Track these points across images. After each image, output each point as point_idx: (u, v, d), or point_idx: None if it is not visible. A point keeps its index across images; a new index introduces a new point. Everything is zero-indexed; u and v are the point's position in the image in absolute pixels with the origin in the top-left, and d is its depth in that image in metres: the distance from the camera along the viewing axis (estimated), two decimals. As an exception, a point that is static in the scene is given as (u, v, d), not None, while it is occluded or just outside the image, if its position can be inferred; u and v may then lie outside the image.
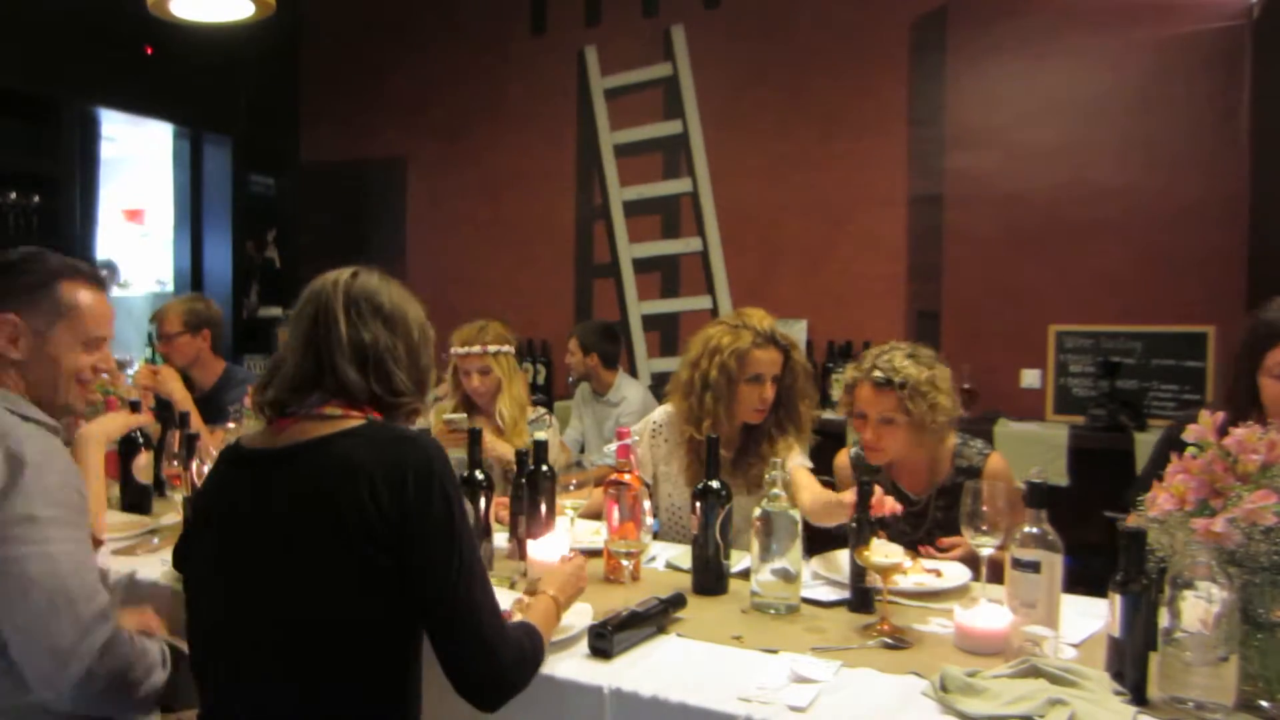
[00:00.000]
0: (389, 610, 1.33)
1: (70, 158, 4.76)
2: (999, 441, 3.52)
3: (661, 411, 2.61)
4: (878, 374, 2.15)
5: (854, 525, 1.76)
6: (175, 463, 2.45)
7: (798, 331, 4.52)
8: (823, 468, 2.63)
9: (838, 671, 1.49)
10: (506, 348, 2.90)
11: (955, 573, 1.98)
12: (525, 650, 1.41)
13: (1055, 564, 1.59)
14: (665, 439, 2.55)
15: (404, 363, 1.47)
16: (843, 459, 2.45)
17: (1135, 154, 3.94)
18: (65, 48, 4.54)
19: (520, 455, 2.18)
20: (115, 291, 5.76)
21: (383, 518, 1.29)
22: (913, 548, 2.19)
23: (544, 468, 2.09)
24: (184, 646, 1.51)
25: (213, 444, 2.58)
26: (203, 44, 4.58)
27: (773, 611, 1.79)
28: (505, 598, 1.78)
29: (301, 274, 5.69)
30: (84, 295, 1.63)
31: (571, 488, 2.11)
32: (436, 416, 3.00)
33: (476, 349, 2.86)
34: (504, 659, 1.36)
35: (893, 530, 2.18)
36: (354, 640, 1.32)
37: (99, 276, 1.69)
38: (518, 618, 1.51)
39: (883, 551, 1.69)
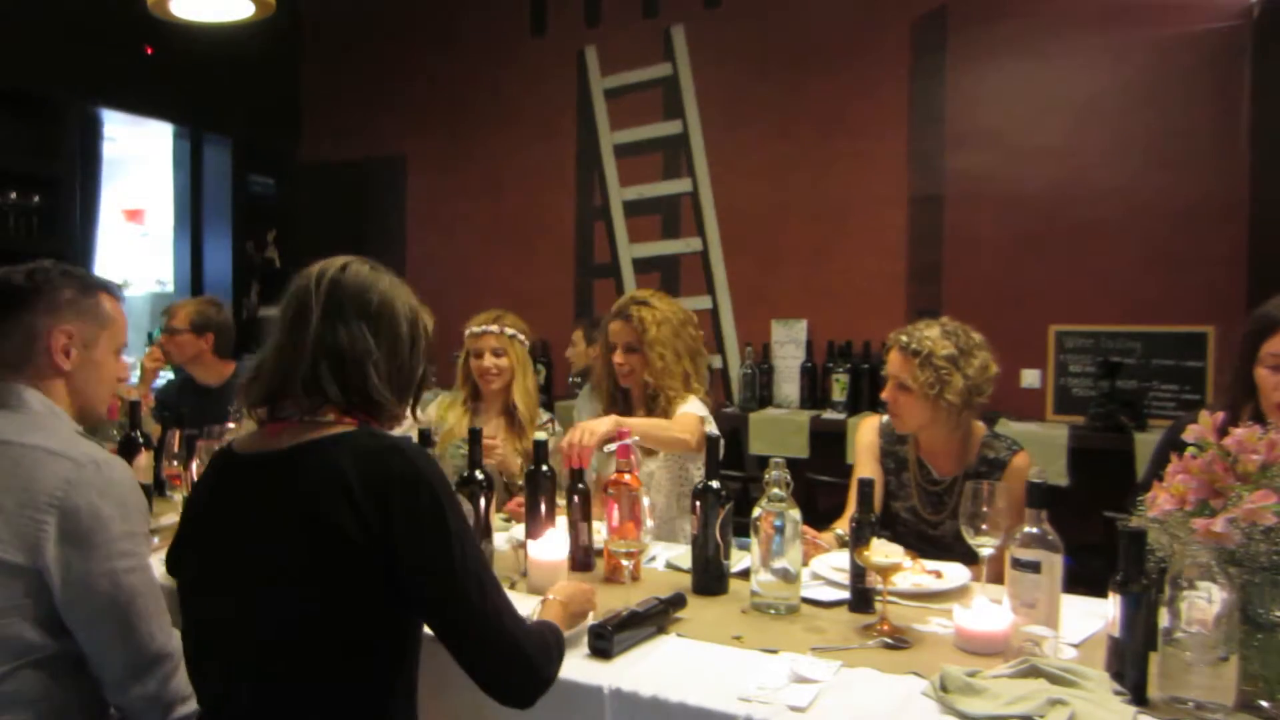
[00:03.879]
0: (376, 616, 1.32)
1: (70, 158, 4.75)
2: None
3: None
4: (903, 339, 2.25)
5: (854, 525, 1.76)
6: (175, 463, 2.46)
7: (797, 332, 4.52)
8: (824, 467, 2.63)
9: (838, 671, 1.50)
10: (522, 336, 2.89)
11: (955, 573, 1.98)
12: (549, 643, 1.41)
13: (1055, 564, 1.59)
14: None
15: (383, 367, 1.40)
16: (870, 423, 2.49)
17: (1135, 154, 3.94)
18: (65, 48, 4.53)
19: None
20: (115, 292, 5.76)
21: (364, 527, 1.27)
22: (934, 530, 2.27)
23: (544, 468, 2.09)
24: None
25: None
26: (203, 44, 4.57)
27: (773, 611, 1.79)
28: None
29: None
30: (116, 307, 1.71)
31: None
32: (439, 409, 2.99)
33: (493, 328, 2.83)
34: (531, 655, 1.35)
35: (914, 514, 2.31)
36: (343, 644, 1.31)
37: (119, 290, 1.77)
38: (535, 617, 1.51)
39: (883, 551, 1.69)
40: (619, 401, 2.74)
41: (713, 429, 2.50)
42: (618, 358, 2.67)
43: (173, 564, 1.48)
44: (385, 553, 1.28)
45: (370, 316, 1.40)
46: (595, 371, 2.83)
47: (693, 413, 2.54)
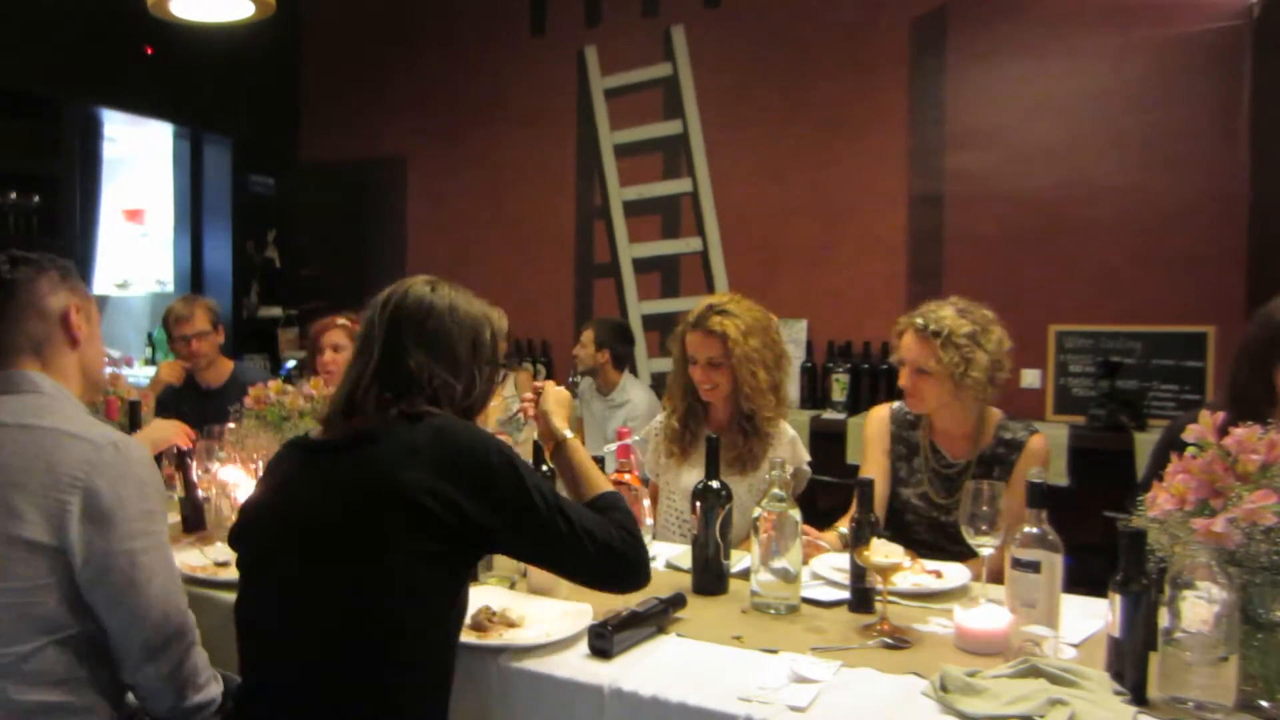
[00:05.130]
0: (432, 594, 1.37)
1: (70, 158, 4.75)
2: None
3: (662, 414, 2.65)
4: (919, 321, 2.21)
5: (854, 525, 1.76)
6: (172, 463, 2.46)
7: (797, 332, 4.52)
8: (824, 467, 2.63)
9: (838, 671, 1.49)
10: None
11: (955, 573, 1.98)
12: (627, 527, 1.53)
13: (1055, 564, 1.59)
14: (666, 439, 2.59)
15: (442, 388, 1.49)
16: (880, 412, 2.44)
17: (1135, 153, 3.93)
18: (65, 48, 4.53)
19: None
20: (115, 292, 5.77)
21: (437, 498, 1.33)
22: (946, 516, 2.22)
23: (544, 468, 2.09)
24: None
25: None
26: (203, 44, 4.57)
27: (773, 611, 1.79)
28: (501, 596, 1.78)
29: (302, 274, 5.74)
30: None
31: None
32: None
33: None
34: (624, 552, 1.49)
35: (925, 500, 2.28)
36: (396, 622, 1.35)
37: None
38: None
39: (883, 551, 1.69)
40: (699, 416, 2.51)
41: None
42: (698, 374, 2.42)
43: (234, 536, 1.54)
44: (456, 520, 1.35)
45: (426, 342, 1.50)
46: (670, 385, 2.57)
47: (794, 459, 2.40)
